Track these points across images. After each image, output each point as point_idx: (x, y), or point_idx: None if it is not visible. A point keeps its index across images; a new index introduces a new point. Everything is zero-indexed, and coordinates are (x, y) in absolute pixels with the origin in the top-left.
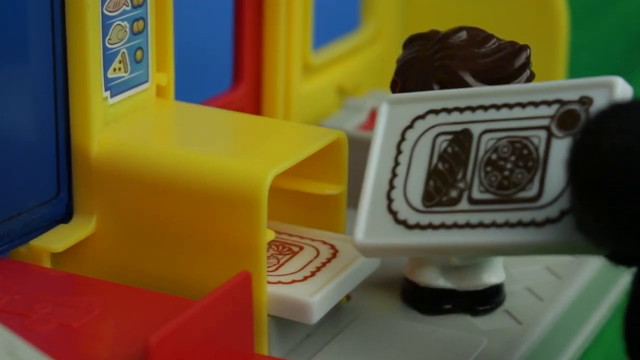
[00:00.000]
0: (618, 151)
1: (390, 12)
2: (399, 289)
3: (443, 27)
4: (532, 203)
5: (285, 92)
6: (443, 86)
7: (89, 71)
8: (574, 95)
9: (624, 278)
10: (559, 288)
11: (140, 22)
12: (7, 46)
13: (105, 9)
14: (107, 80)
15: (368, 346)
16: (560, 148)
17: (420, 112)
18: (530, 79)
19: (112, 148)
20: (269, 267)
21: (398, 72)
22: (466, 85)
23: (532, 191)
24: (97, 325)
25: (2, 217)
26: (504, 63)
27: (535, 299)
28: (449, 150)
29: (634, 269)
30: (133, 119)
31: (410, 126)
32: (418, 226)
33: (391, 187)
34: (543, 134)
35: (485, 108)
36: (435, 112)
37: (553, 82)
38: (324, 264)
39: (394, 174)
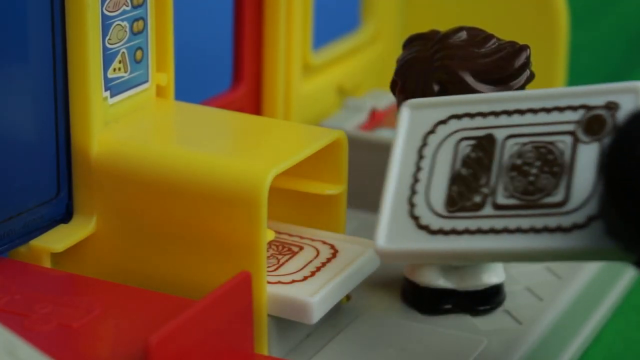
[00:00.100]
0: None
1: (390, 12)
2: (399, 289)
3: (443, 27)
4: (558, 209)
5: (285, 92)
6: (443, 86)
7: (89, 71)
8: (599, 101)
9: (624, 278)
10: (559, 288)
11: (140, 22)
12: (7, 46)
13: (105, 9)
14: (107, 80)
15: (368, 346)
16: (587, 153)
17: (442, 117)
18: (530, 79)
19: (112, 148)
20: (269, 267)
21: (398, 72)
22: (466, 85)
23: (558, 197)
24: (97, 325)
25: (2, 217)
26: (504, 63)
27: (535, 299)
28: (472, 155)
29: None
30: (133, 119)
31: (432, 131)
32: (441, 231)
33: (413, 192)
34: (569, 139)
35: (509, 113)
36: (458, 117)
37: (578, 87)
38: (323, 264)
39: (416, 179)
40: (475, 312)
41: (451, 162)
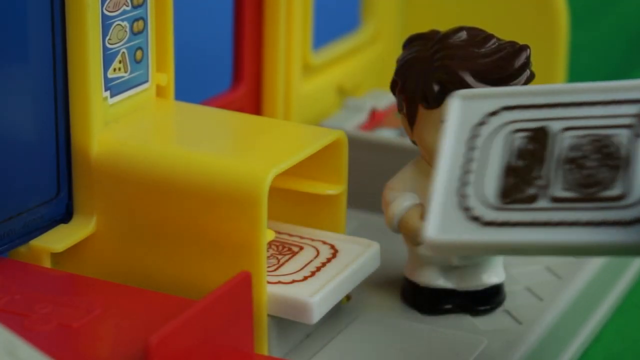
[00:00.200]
0: None
1: (390, 12)
2: (399, 289)
3: (443, 27)
4: (617, 202)
5: (285, 92)
6: (443, 86)
7: (89, 71)
8: None
9: (624, 278)
10: (559, 288)
11: (140, 22)
12: (7, 46)
13: (105, 9)
14: (107, 80)
15: (368, 346)
16: None
17: (494, 108)
18: (530, 79)
19: (112, 148)
20: (269, 267)
21: (398, 72)
22: (466, 85)
23: (617, 190)
24: (97, 325)
25: (2, 217)
26: (504, 63)
27: (535, 299)
28: (526, 147)
29: None
30: (133, 119)
31: (482, 122)
32: (494, 223)
33: (463, 183)
34: (627, 132)
35: (564, 105)
36: (510, 108)
37: (637, 80)
38: (324, 264)
39: (466, 171)
40: (475, 312)
41: (504, 153)
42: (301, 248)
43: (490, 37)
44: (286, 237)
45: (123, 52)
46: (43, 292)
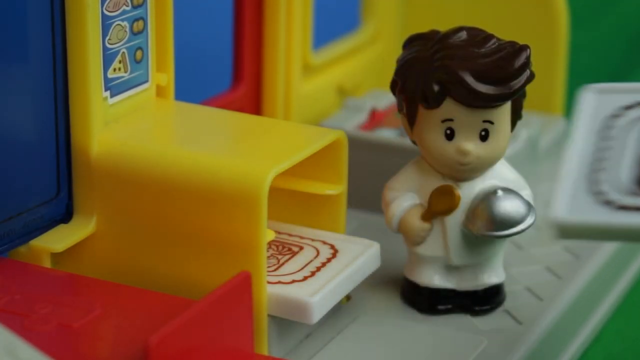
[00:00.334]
0: None
1: (390, 12)
2: (399, 289)
3: (443, 27)
4: None
5: (285, 92)
6: (443, 86)
7: (89, 71)
8: None
9: (624, 278)
10: (559, 288)
11: (140, 22)
12: (7, 46)
13: (105, 9)
14: (107, 80)
15: (368, 346)
16: None
17: (629, 102)
18: (530, 79)
19: (112, 148)
20: (269, 267)
21: (398, 72)
22: (466, 85)
23: None
24: (97, 325)
25: (2, 217)
26: (504, 63)
27: (535, 299)
28: None
29: None
30: (133, 119)
31: (617, 115)
32: (628, 207)
33: (595, 170)
34: None
35: None
36: None
37: None
38: (324, 264)
39: (598, 158)
40: (475, 312)
41: (638, 144)
42: (301, 248)
43: (490, 37)
44: (286, 237)
45: (123, 52)
46: (43, 292)
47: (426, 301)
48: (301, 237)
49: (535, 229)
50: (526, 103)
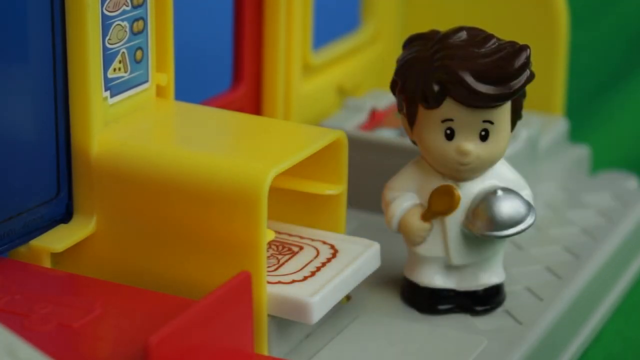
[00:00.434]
0: None
1: (390, 12)
2: (399, 289)
3: (443, 27)
4: None
5: (285, 92)
6: (443, 86)
7: (89, 71)
8: None
9: (624, 278)
10: (559, 288)
11: (140, 22)
12: (7, 46)
13: (105, 9)
14: (107, 80)
15: (368, 346)
16: None
17: None
18: (530, 79)
19: (112, 148)
20: (269, 267)
21: (398, 72)
22: (466, 85)
23: None
24: (97, 325)
25: (2, 217)
26: (504, 63)
27: (535, 299)
28: None
29: None
30: (133, 119)
31: None
32: None
33: None
34: None
35: None
36: None
37: None
38: (324, 264)
39: None
40: (475, 312)
41: None
42: (301, 248)
43: (490, 37)
44: (286, 237)
45: (123, 52)
46: (43, 292)
47: (426, 301)
48: (301, 237)
49: (535, 229)
50: (526, 103)
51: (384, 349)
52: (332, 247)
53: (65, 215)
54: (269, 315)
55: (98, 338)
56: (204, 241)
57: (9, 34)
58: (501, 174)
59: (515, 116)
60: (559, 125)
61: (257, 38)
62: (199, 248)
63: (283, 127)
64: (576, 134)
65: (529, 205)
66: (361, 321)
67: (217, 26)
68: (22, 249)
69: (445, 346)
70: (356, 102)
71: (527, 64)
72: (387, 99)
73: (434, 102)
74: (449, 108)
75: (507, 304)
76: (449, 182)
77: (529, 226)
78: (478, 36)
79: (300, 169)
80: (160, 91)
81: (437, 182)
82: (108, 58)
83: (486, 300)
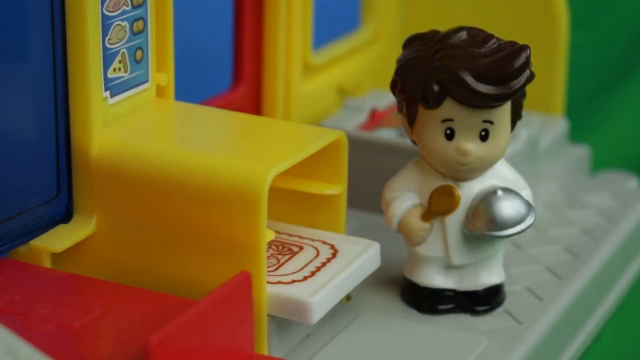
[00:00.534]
0: None
1: (390, 12)
2: (399, 289)
3: (443, 27)
4: None
5: (285, 92)
6: (443, 86)
7: (89, 71)
8: None
9: (624, 278)
10: (559, 288)
11: (140, 22)
12: (7, 46)
13: (105, 9)
14: (107, 80)
15: (368, 346)
16: None
17: None
18: (530, 79)
19: (112, 148)
20: (269, 267)
21: (398, 72)
22: (466, 85)
23: None
24: (97, 325)
25: (2, 217)
26: (504, 63)
27: (535, 299)
28: None
29: None
30: (133, 119)
31: None
32: None
33: None
34: None
35: None
36: None
37: None
38: (324, 264)
39: None
40: (475, 312)
41: None
42: (301, 248)
43: (490, 37)
44: (286, 237)
45: (123, 52)
46: (43, 292)
47: (426, 301)
48: (301, 237)
49: (535, 229)
50: (526, 103)
51: (384, 349)
52: (332, 247)
53: (65, 215)
54: (269, 315)
55: (98, 338)
56: (204, 241)
57: (9, 34)
58: (501, 174)
59: (515, 116)
60: (559, 125)
61: (257, 38)
62: (199, 248)
63: (283, 127)
64: (576, 134)
65: (529, 205)
66: (361, 321)
67: (217, 26)
68: (22, 249)
69: (445, 346)
70: (356, 102)
71: (527, 64)
72: (387, 99)
73: (434, 102)
74: (449, 108)
75: (507, 304)
76: (449, 182)
77: (529, 226)
78: (478, 36)
79: (300, 169)
80: (160, 91)
81: (437, 182)
82: (108, 58)
83: (486, 300)
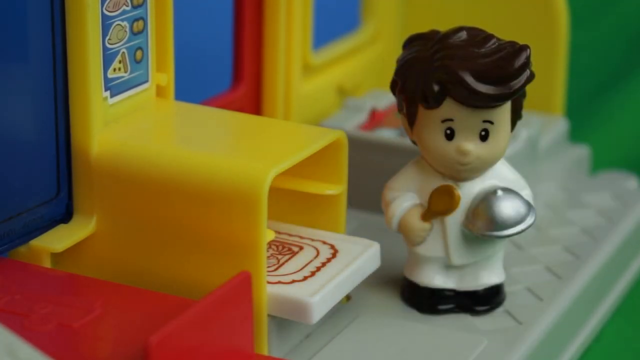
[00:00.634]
0: None
1: (390, 12)
2: (399, 289)
3: (443, 27)
4: None
5: (285, 92)
6: (443, 86)
7: (89, 71)
8: None
9: (624, 278)
10: (559, 288)
11: (140, 22)
12: (7, 46)
13: (105, 9)
14: (107, 80)
15: (368, 346)
16: None
17: None
18: (530, 79)
19: (112, 148)
20: (269, 267)
21: (398, 72)
22: (466, 85)
23: None
24: (97, 325)
25: (2, 217)
26: (504, 63)
27: (535, 299)
28: None
29: None
30: (133, 119)
31: None
32: None
33: None
34: None
35: None
36: None
37: None
38: (323, 264)
39: None
40: (475, 312)
41: None
42: (301, 248)
43: (490, 37)
44: (286, 237)
45: (123, 52)
46: (43, 292)
47: (426, 301)
48: (301, 237)
49: (535, 229)
50: (526, 103)
51: (384, 349)
52: (332, 247)
53: (65, 215)
54: (269, 315)
55: (98, 338)
56: (204, 241)
57: (9, 34)
58: (501, 174)
59: (515, 116)
60: (559, 125)
61: (257, 38)
62: (199, 248)
63: (283, 127)
64: (576, 134)
65: (529, 205)
66: (361, 321)
67: (217, 26)
68: (22, 249)
69: (445, 346)
70: (356, 102)
71: (527, 64)
72: (387, 99)
73: (434, 102)
74: (449, 108)
75: (507, 304)
76: (449, 182)
77: (529, 226)
78: (478, 36)
79: (300, 169)
80: (160, 91)
81: (437, 182)
82: (108, 58)
83: (486, 300)
